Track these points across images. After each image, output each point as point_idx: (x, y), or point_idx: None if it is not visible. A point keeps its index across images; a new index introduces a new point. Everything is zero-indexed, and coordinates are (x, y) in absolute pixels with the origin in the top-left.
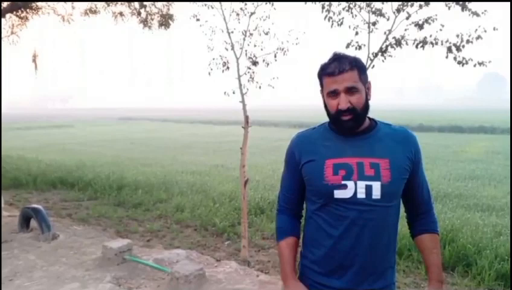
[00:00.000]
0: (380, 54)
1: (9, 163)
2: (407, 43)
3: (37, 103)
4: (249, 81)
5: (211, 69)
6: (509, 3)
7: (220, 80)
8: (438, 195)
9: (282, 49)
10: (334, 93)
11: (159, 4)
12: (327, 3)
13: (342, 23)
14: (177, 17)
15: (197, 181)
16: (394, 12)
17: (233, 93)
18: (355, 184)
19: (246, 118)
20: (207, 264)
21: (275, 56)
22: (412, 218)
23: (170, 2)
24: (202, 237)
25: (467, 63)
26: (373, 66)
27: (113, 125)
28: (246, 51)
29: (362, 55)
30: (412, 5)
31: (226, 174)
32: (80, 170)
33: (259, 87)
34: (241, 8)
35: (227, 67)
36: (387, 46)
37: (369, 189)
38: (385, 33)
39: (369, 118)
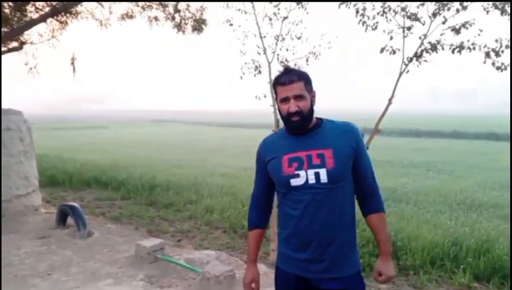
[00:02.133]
0: (414, 58)
1: (46, 162)
2: (443, 48)
3: (73, 104)
4: None
5: (243, 73)
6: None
7: (252, 84)
8: (473, 204)
9: (314, 53)
10: (285, 100)
11: (192, 9)
12: (361, 7)
13: (376, 27)
14: (210, 21)
15: (226, 183)
16: (430, 17)
17: (265, 97)
18: (306, 173)
19: (277, 121)
20: (236, 266)
21: (307, 60)
22: (360, 199)
23: (204, 7)
24: (231, 239)
25: (505, 68)
26: (407, 71)
27: (146, 127)
28: (277, 55)
29: (396, 60)
30: (448, 9)
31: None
32: (113, 170)
33: None
34: (274, 13)
35: (259, 72)
36: (422, 51)
37: (317, 175)
38: (420, 38)
39: (317, 118)
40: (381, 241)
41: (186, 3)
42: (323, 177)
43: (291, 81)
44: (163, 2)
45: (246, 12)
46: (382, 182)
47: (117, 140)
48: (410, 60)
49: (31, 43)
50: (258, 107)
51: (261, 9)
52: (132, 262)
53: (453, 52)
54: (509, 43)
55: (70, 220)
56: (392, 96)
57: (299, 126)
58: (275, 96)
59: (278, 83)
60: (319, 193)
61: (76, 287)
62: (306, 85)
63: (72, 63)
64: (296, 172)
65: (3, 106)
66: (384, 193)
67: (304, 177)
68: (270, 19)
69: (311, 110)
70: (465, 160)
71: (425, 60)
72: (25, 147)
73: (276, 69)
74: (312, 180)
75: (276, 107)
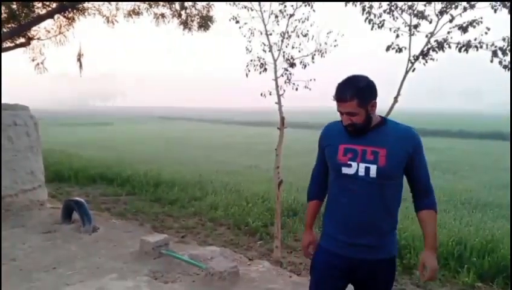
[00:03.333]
0: (421, 57)
1: (52, 157)
2: (449, 47)
3: (79, 101)
4: (285, 82)
5: (248, 71)
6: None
7: (257, 81)
8: (478, 204)
9: (320, 51)
10: (340, 112)
11: (199, 6)
12: (368, 5)
13: (382, 25)
14: (216, 19)
15: (231, 181)
16: (437, 15)
17: (270, 94)
18: (358, 165)
19: (282, 119)
20: (240, 262)
21: (313, 58)
22: (414, 199)
23: (211, 4)
24: (235, 236)
25: None
26: (413, 69)
27: (151, 124)
28: (283, 52)
29: (402, 58)
30: (456, 8)
31: (260, 175)
32: (119, 166)
33: (296, 88)
34: (280, 10)
35: (265, 69)
36: (428, 49)
37: (367, 169)
38: (427, 36)
39: (381, 117)
40: (428, 235)
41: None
42: (373, 173)
43: (344, 99)
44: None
45: (252, 10)
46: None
47: (123, 136)
48: (417, 58)
49: (38, 39)
50: (264, 105)
51: (268, 6)
52: (137, 257)
53: (459, 50)
54: None
55: (75, 215)
56: (398, 94)
57: (356, 134)
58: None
59: (335, 96)
60: (366, 185)
61: (81, 281)
62: (360, 103)
63: (79, 60)
64: (349, 162)
65: (10, 101)
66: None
67: (354, 168)
68: (276, 17)
69: (367, 120)
70: (470, 160)
71: (431, 59)
72: (32, 142)
73: (282, 67)
74: (362, 172)
75: (282, 105)
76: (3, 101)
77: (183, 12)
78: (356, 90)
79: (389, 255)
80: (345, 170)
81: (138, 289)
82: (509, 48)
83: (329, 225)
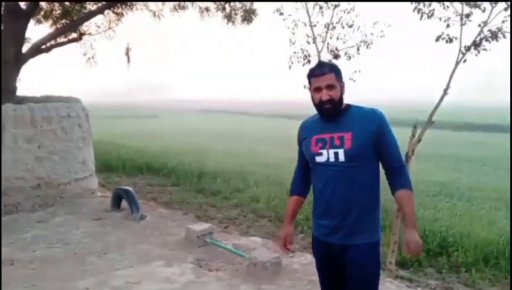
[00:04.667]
0: (473, 47)
1: (101, 148)
2: (504, 36)
3: (126, 93)
4: None
5: (292, 63)
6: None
7: (301, 73)
8: None
9: (366, 42)
10: (318, 89)
11: None
12: None
13: (432, 14)
14: (260, 11)
15: (272, 173)
16: (491, 3)
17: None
18: (328, 152)
19: None
20: (282, 254)
21: (358, 49)
22: (388, 179)
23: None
24: (277, 228)
25: None
26: (465, 60)
27: (195, 117)
28: (328, 44)
29: (453, 49)
30: None
31: None
32: (164, 158)
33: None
34: (325, 1)
35: (308, 61)
36: (481, 39)
37: (336, 154)
38: (480, 25)
39: (346, 104)
40: (408, 214)
41: None
42: (341, 157)
43: (323, 72)
44: None
45: (296, 1)
46: (433, 176)
47: (167, 128)
48: (468, 48)
49: (89, 34)
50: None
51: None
52: (182, 245)
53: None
54: None
55: (124, 204)
56: (448, 86)
57: (331, 112)
58: (309, 86)
59: (312, 74)
60: (338, 169)
61: (130, 266)
62: (337, 76)
63: (127, 54)
64: (320, 151)
65: (63, 94)
66: (435, 188)
67: (325, 155)
68: (321, 7)
69: (341, 99)
70: None
71: (484, 49)
72: (83, 133)
73: (326, 58)
74: (332, 158)
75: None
76: (58, 94)
77: (227, 5)
78: (332, 66)
79: (371, 239)
80: (318, 159)
81: (184, 275)
82: (510, 44)
83: (314, 213)
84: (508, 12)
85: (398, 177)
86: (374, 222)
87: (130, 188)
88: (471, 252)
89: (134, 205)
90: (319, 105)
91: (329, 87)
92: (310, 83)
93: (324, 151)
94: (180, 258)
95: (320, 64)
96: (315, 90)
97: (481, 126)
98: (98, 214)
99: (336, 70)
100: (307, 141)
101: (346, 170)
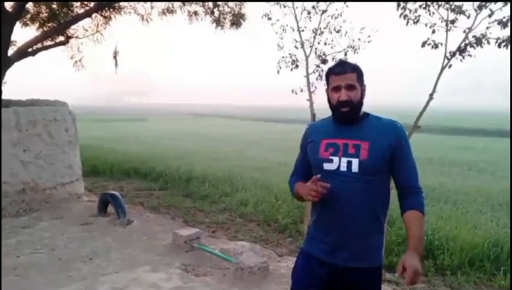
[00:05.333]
0: (458, 53)
1: (88, 152)
2: (488, 42)
3: (113, 97)
4: (317, 79)
5: (280, 68)
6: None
7: (289, 78)
8: None
9: (353, 47)
10: (337, 89)
11: (231, 3)
12: (403, 1)
13: (418, 20)
14: (248, 16)
15: (261, 177)
16: (475, 10)
17: (301, 91)
18: (340, 159)
19: (313, 116)
20: (270, 258)
21: (345, 54)
22: (400, 198)
23: (242, 1)
24: (265, 232)
25: None
26: (450, 65)
27: (183, 121)
28: (315, 49)
29: (439, 54)
30: (495, 2)
31: (289, 172)
32: (152, 162)
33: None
34: (313, 7)
35: (296, 66)
36: (466, 45)
37: (349, 164)
38: (464, 31)
39: (364, 112)
40: (413, 237)
41: None
42: (355, 167)
43: (345, 71)
44: None
45: (284, 6)
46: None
47: (156, 132)
48: (453, 54)
49: (77, 37)
50: (295, 102)
51: (300, 3)
52: (169, 250)
53: (499, 46)
54: None
55: (111, 209)
56: (433, 91)
57: (348, 117)
58: (326, 86)
59: (332, 72)
60: (349, 180)
61: (116, 272)
62: (358, 77)
63: (115, 57)
64: (330, 157)
65: (50, 98)
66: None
67: (336, 163)
68: (309, 13)
69: (361, 102)
70: (508, 159)
71: (469, 55)
72: (70, 137)
73: (314, 63)
74: (344, 167)
75: (313, 101)
76: (44, 97)
77: (215, 10)
78: (355, 66)
79: (374, 263)
80: (327, 166)
81: (170, 281)
82: (510, 47)
83: (314, 227)
84: (492, 19)
85: (412, 198)
86: (380, 244)
87: (117, 193)
88: (456, 255)
89: (120, 210)
90: (335, 106)
91: (350, 87)
92: (327, 81)
93: (335, 158)
94: (167, 263)
95: (342, 62)
96: (333, 89)
97: (468, 130)
98: (84, 219)
99: (358, 71)
100: (315, 144)
101: (358, 182)
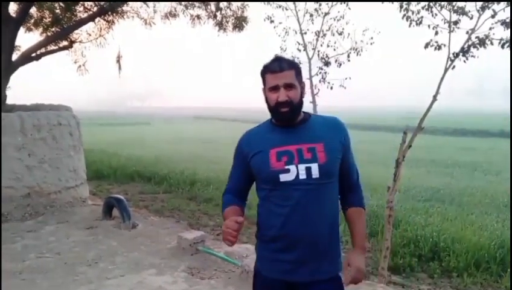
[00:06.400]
0: (461, 54)
1: (92, 156)
2: (492, 43)
3: (117, 101)
4: (320, 81)
5: None
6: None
7: None
8: None
9: (356, 49)
10: (274, 88)
11: (234, 7)
12: (405, 2)
13: (420, 22)
14: (251, 19)
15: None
16: (478, 11)
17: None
18: (297, 167)
19: None
20: None
21: (348, 56)
22: (343, 195)
23: (245, 4)
24: None
25: None
26: (453, 66)
27: (187, 124)
28: (318, 51)
29: (442, 56)
30: (498, 2)
31: None
32: (156, 165)
33: (331, 87)
34: (315, 9)
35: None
36: (469, 46)
37: (308, 170)
38: (467, 32)
39: (303, 112)
40: (356, 233)
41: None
42: (315, 173)
43: (282, 68)
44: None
45: (287, 9)
46: (424, 181)
47: (159, 136)
48: (457, 55)
49: (80, 42)
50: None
51: (302, 5)
52: (174, 253)
53: (502, 47)
54: None
55: (115, 212)
56: (437, 93)
57: (288, 118)
58: (262, 85)
59: (267, 70)
60: (310, 189)
61: (122, 275)
62: (297, 74)
63: (118, 61)
64: (286, 167)
65: (54, 102)
66: (427, 193)
67: (294, 172)
68: (311, 15)
69: (301, 102)
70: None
71: (472, 56)
72: (74, 142)
73: (317, 66)
74: (303, 175)
75: (316, 104)
76: (48, 102)
77: (218, 13)
78: (292, 62)
79: (334, 273)
80: (284, 177)
81: (176, 284)
82: (510, 48)
83: (264, 246)
84: (495, 19)
85: (356, 194)
86: (339, 252)
87: (122, 197)
88: (462, 256)
89: (125, 213)
90: (274, 107)
91: (288, 86)
92: (264, 80)
93: (292, 167)
94: (172, 266)
95: (278, 58)
96: (271, 89)
97: (471, 132)
98: (89, 223)
99: (296, 67)
100: (261, 156)
101: (319, 188)
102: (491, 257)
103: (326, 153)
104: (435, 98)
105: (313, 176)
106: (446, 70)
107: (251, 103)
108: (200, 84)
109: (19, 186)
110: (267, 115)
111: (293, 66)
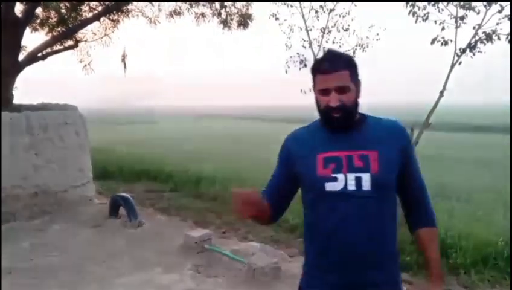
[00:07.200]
0: (468, 49)
1: (98, 155)
2: (499, 38)
3: (123, 100)
4: None
5: (288, 67)
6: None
7: (299, 78)
8: None
9: (362, 45)
10: (325, 92)
11: (238, 4)
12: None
13: (427, 18)
14: (256, 16)
15: (269, 177)
16: (485, 6)
17: (310, 90)
18: (346, 176)
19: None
20: (281, 258)
21: (354, 53)
22: (407, 211)
23: (250, 2)
24: (275, 233)
25: None
26: (460, 62)
27: (192, 122)
28: (323, 48)
29: (448, 51)
30: None
31: None
32: (162, 163)
33: None
34: (320, 6)
35: (305, 65)
36: (476, 42)
37: (358, 180)
38: (474, 28)
39: (359, 113)
40: (432, 260)
41: None
42: (366, 184)
43: (335, 69)
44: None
45: (292, 6)
46: (431, 178)
47: (165, 134)
48: (463, 51)
49: (85, 41)
50: (304, 102)
51: (307, 2)
52: (180, 252)
53: (510, 42)
54: None
55: (122, 211)
56: (444, 88)
57: (341, 124)
58: (312, 84)
59: (317, 70)
60: (361, 202)
61: (129, 274)
62: (352, 75)
63: (123, 60)
64: (333, 175)
65: (60, 101)
66: (433, 189)
67: (342, 181)
68: (317, 12)
69: (356, 105)
70: None
71: (479, 51)
72: (80, 141)
73: None
74: (352, 186)
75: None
76: (55, 101)
77: (223, 11)
78: (348, 60)
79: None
80: (330, 186)
81: (183, 282)
82: (509, 44)
83: (311, 261)
84: (502, 14)
85: (424, 212)
86: (398, 270)
87: (128, 195)
88: (469, 253)
89: (132, 212)
90: (325, 111)
91: (341, 89)
92: (313, 80)
93: (340, 176)
94: (178, 264)
95: (331, 55)
96: (321, 92)
97: (479, 127)
98: (96, 222)
99: (352, 66)
100: (307, 161)
101: (370, 203)
102: (498, 253)
103: (380, 162)
104: (442, 93)
105: (364, 188)
106: (453, 66)
107: (259, 100)
108: (206, 83)
109: (26, 185)
110: (277, 112)
111: (348, 64)
